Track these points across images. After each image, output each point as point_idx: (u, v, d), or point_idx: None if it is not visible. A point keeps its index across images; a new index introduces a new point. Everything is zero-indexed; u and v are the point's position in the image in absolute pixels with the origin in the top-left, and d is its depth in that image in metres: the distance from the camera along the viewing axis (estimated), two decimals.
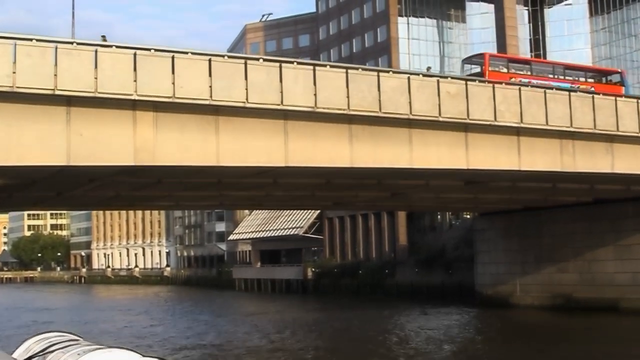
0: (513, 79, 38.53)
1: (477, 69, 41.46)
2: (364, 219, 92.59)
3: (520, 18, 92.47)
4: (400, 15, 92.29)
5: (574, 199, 52.88)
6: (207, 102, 26.42)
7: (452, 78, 33.01)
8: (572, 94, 36.05)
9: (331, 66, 29.83)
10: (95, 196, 39.86)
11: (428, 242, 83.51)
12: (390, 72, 31.15)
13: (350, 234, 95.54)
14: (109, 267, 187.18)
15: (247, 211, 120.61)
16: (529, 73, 42.26)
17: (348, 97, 28.99)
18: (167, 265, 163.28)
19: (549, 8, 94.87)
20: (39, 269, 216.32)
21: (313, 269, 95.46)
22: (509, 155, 34.64)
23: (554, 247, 57.16)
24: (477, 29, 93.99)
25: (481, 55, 43.43)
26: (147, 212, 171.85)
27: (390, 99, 30.01)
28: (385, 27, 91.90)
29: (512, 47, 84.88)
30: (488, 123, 32.85)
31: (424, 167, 32.49)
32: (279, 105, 27.62)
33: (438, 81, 31.68)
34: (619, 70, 50.05)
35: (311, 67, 28.76)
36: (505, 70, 41.15)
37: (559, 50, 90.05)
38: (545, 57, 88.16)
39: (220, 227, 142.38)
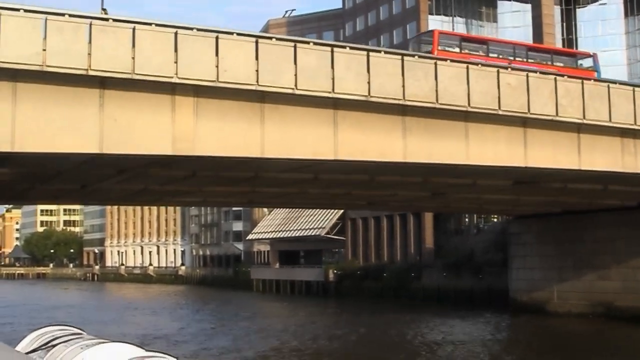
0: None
1: (426, 49, 37.01)
2: (389, 220, 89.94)
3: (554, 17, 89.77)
4: (431, 13, 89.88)
5: (618, 203, 50.36)
6: (253, 88, 24.19)
7: (512, 69, 30.51)
8: (635, 88, 33.59)
9: (385, 52, 27.50)
10: (122, 189, 37.61)
11: (455, 245, 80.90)
12: (448, 61, 28.72)
13: (374, 236, 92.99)
14: (122, 264, 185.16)
15: (266, 210, 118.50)
16: (485, 54, 38.58)
17: (403, 86, 26.69)
18: (182, 264, 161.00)
19: (582, 7, 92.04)
20: (51, 265, 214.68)
21: (335, 271, 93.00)
22: (568, 153, 32.24)
23: (595, 252, 54.53)
24: (508, 28, 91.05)
25: (430, 33, 39.94)
26: (162, 210, 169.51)
27: (447, 90, 27.72)
28: (415, 24, 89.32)
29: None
30: (549, 118, 30.46)
31: (480, 163, 30.16)
32: (330, 92, 25.37)
33: (498, 71, 29.30)
34: (591, 54, 46.26)
35: (365, 53, 26.45)
36: (457, 50, 37.05)
37: (592, 50, 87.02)
38: None
39: (238, 226, 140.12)
